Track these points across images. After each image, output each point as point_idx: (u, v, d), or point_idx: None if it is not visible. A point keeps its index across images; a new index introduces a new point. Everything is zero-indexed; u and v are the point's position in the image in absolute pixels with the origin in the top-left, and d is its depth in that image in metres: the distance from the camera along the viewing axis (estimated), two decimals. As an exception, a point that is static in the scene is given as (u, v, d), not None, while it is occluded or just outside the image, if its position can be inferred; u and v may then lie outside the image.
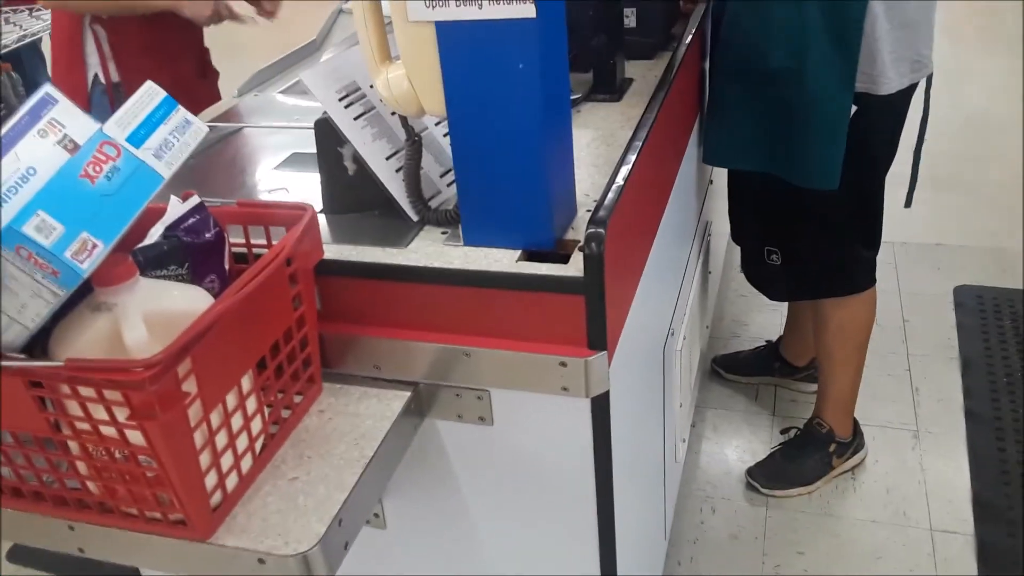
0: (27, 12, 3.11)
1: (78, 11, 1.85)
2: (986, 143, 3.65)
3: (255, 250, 1.03)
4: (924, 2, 1.54)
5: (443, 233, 1.10)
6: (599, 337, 1.00)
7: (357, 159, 1.14)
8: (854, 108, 1.55)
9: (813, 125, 1.57)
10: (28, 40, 2.96)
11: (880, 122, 1.61)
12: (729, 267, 2.71)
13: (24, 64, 3.35)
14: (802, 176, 1.63)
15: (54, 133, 0.75)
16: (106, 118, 0.79)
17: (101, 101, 1.92)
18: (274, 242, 1.00)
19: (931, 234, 2.94)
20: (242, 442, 0.89)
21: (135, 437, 0.77)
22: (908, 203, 1.85)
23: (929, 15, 1.57)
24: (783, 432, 2.15)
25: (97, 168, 0.74)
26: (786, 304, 2.29)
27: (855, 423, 2.05)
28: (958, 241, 2.91)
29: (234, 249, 1.01)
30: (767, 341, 2.36)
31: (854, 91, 1.54)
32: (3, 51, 2.81)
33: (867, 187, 1.73)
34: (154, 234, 0.94)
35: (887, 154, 1.73)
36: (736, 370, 2.37)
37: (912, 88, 1.63)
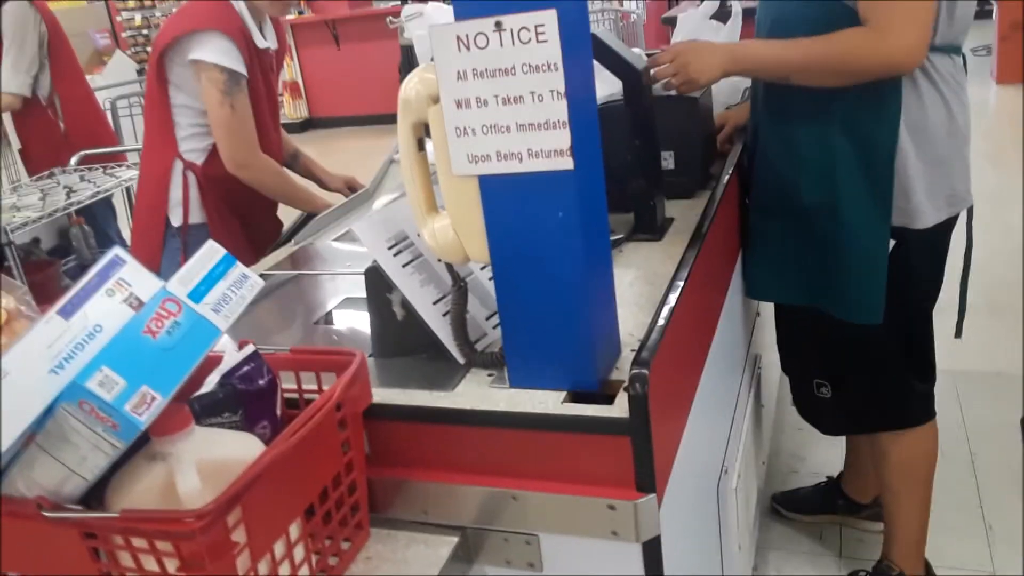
0: (101, 170, 3.33)
1: (268, 194, 2.13)
2: (1040, 268, 3.59)
3: (307, 395, 1.05)
4: (955, 140, 1.56)
5: (489, 375, 1.12)
6: (647, 479, 0.99)
7: (406, 305, 1.17)
8: (893, 242, 1.56)
9: (852, 260, 1.58)
10: (101, 196, 3.16)
11: (920, 256, 1.61)
12: (783, 400, 2.65)
13: (96, 217, 3.57)
14: (845, 310, 1.63)
15: (121, 292, 0.80)
16: (178, 259, 0.85)
17: (174, 244, 2.07)
18: (325, 387, 1.03)
19: (991, 363, 2.86)
20: (289, 592, 0.89)
21: (184, 588, 0.77)
22: (958, 334, 1.82)
23: (962, 151, 1.59)
24: (851, 575, 2.05)
25: (159, 324, 0.78)
26: (845, 438, 2.23)
27: (927, 565, 1.94)
28: (1018, 369, 2.83)
29: (286, 395, 1.04)
30: (828, 477, 2.29)
31: (890, 225, 1.55)
32: (78, 206, 3.01)
33: (913, 320, 1.71)
34: (211, 382, 0.98)
35: (931, 287, 1.72)
36: (797, 508, 2.28)
37: (952, 221, 1.64)
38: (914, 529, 1.89)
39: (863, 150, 1.53)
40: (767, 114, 1.68)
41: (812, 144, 1.58)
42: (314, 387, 1.05)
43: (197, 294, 0.82)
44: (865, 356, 1.72)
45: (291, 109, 9.26)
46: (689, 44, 1.62)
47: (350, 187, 2.35)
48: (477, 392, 1.08)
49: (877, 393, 1.77)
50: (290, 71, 9.13)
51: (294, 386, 1.06)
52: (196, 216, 2.07)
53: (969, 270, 1.78)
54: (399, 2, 8.64)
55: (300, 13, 8.87)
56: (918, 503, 1.87)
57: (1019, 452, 2.41)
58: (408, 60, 2.10)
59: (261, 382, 0.95)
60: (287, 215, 2.20)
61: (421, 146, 1.09)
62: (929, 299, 1.74)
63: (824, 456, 2.46)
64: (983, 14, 7.49)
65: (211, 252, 0.84)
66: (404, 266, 1.18)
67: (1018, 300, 3.31)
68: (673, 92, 1.62)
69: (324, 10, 8.91)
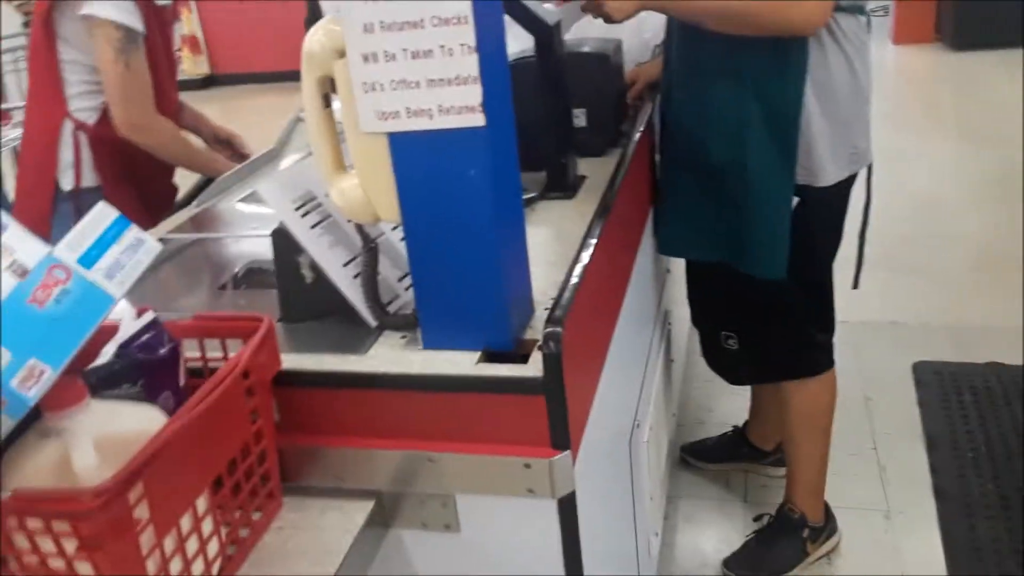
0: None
1: (166, 158, 2.00)
2: (934, 224, 3.77)
3: (212, 364, 1.01)
4: (857, 99, 1.60)
5: (402, 338, 1.10)
6: (562, 436, 1.00)
7: (314, 267, 1.14)
8: (796, 200, 1.60)
9: (757, 217, 1.62)
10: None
11: (822, 212, 1.66)
12: (692, 353, 2.72)
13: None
14: (750, 265, 1.67)
15: (4, 259, 0.75)
16: (70, 225, 0.79)
17: (65, 209, 1.95)
18: (231, 355, 0.99)
19: (887, 313, 3.00)
20: (198, 567, 0.86)
21: (85, 569, 0.74)
22: (855, 285, 1.90)
23: (863, 110, 1.64)
24: (755, 519, 2.13)
25: (46, 292, 0.73)
26: (750, 388, 2.30)
27: (826, 506, 2.04)
28: (913, 319, 2.97)
29: (190, 364, 1.00)
30: (734, 427, 2.36)
31: (795, 183, 1.59)
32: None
33: (816, 274, 1.77)
34: (107, 352, 0.93)
35: (832, 242, 1.78)
36: (705, 457, 2.36)
37: (852, 178, 1.69)
38: (814, 474, 1.97)
39: (770, 109, 1.55)
40: (679, 73, 1.69)
41: (722, 102, 1.60)
42: (220, 355, 1.01)
43: (88, 259, 0.77)
44: (770, 309, 1.77)
45: (191, 65, 8.85)
46: None
47: (232, 146, 2.26)
48: (390, 355, 1.06)
49: (782, 344, 1.83)
50: (188, 24, 8.72)
51: (199, 355, 1.02)
52: (88, 180, 1.95)
53: (868, 223, 1.84)
54: (303, -48, 8.34)
55: (197, -39, 8.46)
56: (818, 448, 1.95)
57: (911, 397, 2.54)
58: (314, 12, 2.02)
59: (162, 351, 0.91)
60: (184, 180, 2.11)
61: (327, 102, 1.05)
62: (830, 254, 1.80)
63: (730, 406, 2.55)
64: (881, -25, 7.73)
65: (102, 214, 0.79)
66: (312, 227, 1.14)
67: (911, 254, 3.46)
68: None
69: None
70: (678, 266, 2.17)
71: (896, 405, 2.52)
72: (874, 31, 1.66)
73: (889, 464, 2.30)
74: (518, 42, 1.62)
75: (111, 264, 0.77)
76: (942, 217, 3.83)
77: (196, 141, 2.19)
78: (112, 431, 0.80)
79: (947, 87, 6.06)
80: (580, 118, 1.68)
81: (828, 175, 1.61)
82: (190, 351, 1.01)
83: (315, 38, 0.99)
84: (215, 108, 7.86)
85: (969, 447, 2.29)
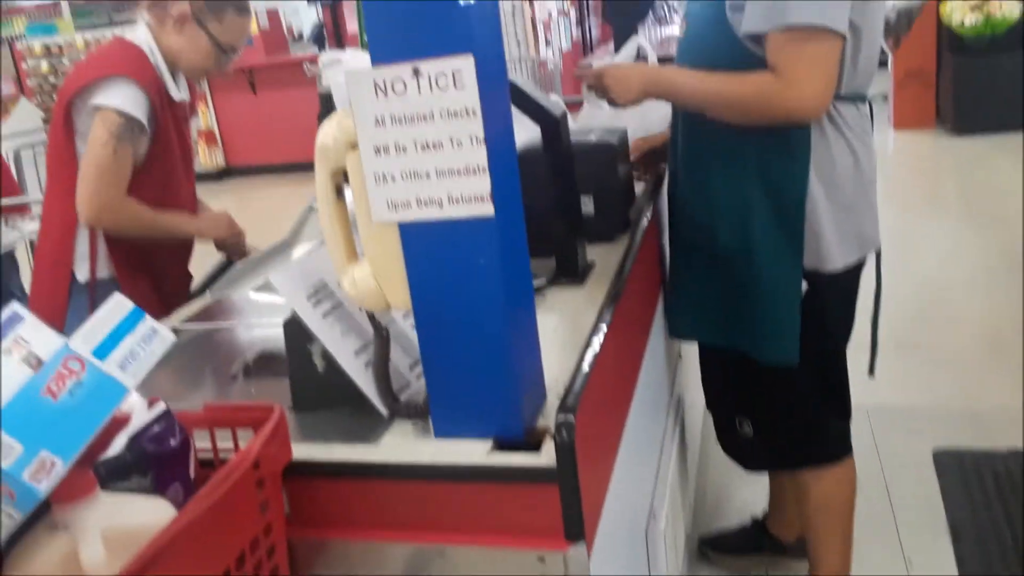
0: (3, 222, 3.20)
1: (123, 237, 1.96)
2: (943, 306, 3.76)
3: (223, 454, 1.01)
4: (862, 184, 1.62)
5: (414, 426, 1.09)
6: (576, 528, 0.98)
7: (326, 356, 1.14)
8: (805, 285, 1.60)
9: (767, 303, 1.62)
10: (4, 250, 3.02)
11: (833, 297, 1.66)
12: (707, 439, 2.68)
13: (-1, 271, 3.41)
14: (761, 352, 1.66)
15: (19, 351, 0.75)
16: (85, 316, 0.80)
17: (80, 301, 1.97)
18: (242, 445, 0.98)
19: (902, 397, 2.96)
20: (203, 665, 0.83)
21: (87, 669, 0.72)
22: (871, 372, 1.87)
23: (869, 195, 1.65)
24: (778, 613, 2.06)
25: (60, 384, 0.74)
26: (768, 477, 2.26)
27: (851, 599, 1.97)
28: (929, 403, 2.93)
29: (201, 454, 0.99)
30: (753, 518, 2.31)
31: (802, 269, 1.59)
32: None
33: (828, 359, 1.76)
34: (118, 443, 0.93)
35: (844, 327, 1.77)
36: (725, 549, 2.29)
37: (861, 263, 1.69)
38: (837, 566, 1.91)
39: (775, 196, 1.57)
40: (685, 159, 1.72)
41: (727, 190, 1.62)
42: (231, 445, 1.01)
43: (102, 351, 0.78)
44: (784, 395, 1.75)
45: (206, 158, 9.07)
46: (613, 67, 1.68)
47: (231, 228, 2.18)
48: (401, 444, 1.06)
49: (796, 430, 1.80)
50: (205, 119, 8.97)
51: (209, 445, 1.01)
52: (103, 271, 1.98)
53: (879, 309, 1.83)
54: (317, 49, 8.65)
55: (216, 60, 8.76)
56: (839, 539, 1.90)
57: (933, 484, 2.48)
58: (327, 108, 2.07)
59: (172, 442, 0.91)
60: (198, 269, 2.13)
61: (340, 193, 1.07)
62: (843, 338, 1.79)
63: (748, 495, 2.49)
64: (879, 63, 7.91)
65: (118, 306, 0.80)
66: (324, 316, 1.15)
67: (923, 336, 3.44)
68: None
69: (240, 57, 8.83)
70: (690, 350, 2.16)
71: (918, 494, 2.46)
72: (875, 116, 1.70)
73: (915, 556, 2.23)
74: (526, 132, 1.66)
75: (125, 355, 0.78)
76: (950, 299, 3.82)
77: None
78: (121, 525, 0.79)
79: (949, 171, 6.13)
80: (588, 205, 1.70)
81: (836, 260, 1.61)
82: (201, 441, 1.00)
83: (328, 132, 1.02)
84: (230, 199, 8.02)
85: (995, 538, 2.22)
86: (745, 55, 1.49)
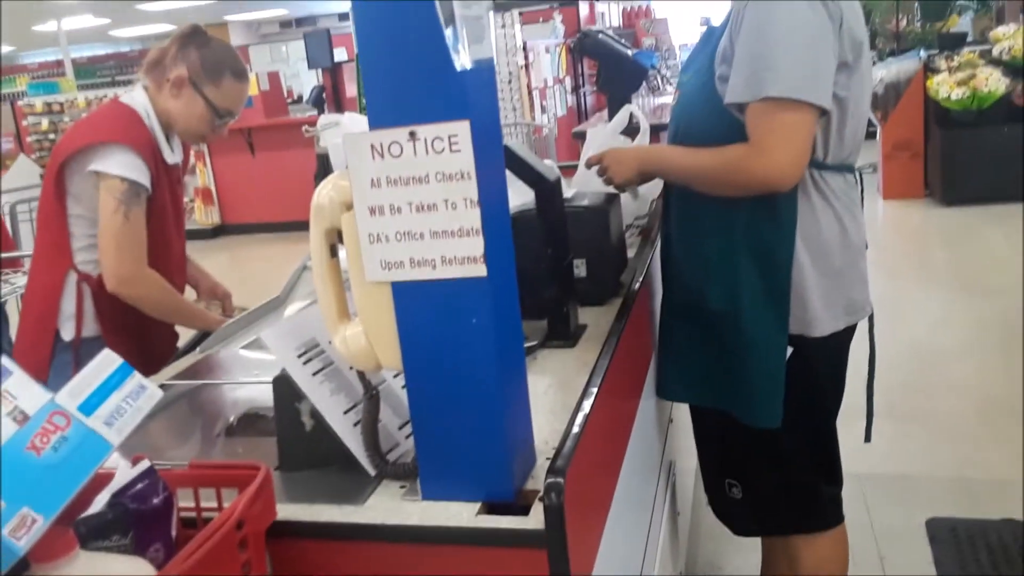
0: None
1: (155, 312, 1.97)
2: (934, 373, 3.76)
3: (206, 514, 0.99)
4: (849, 252, 1.64)
5: (401, 487, 1.08)
6: (565, 594, 0.96)
7: (315, 414, 1.13)
8: (791, 349, 1.61)
9: (752, 365, 1.63)
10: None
11: (820, 362, 1.67)
12: (699, 506, 2.65)
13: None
14: (745, 414, 1.67)
15: (5, 404, 0.75)
16: (68, 374, 0.80)
17: (63, 359, 1.95)
18: (226, 504, 0.97)
19: (895, 465, 2.94)
20: None
21: None
22: (867, 438, 1.87)
23: (857, 263, 1.67)
24: None
25: (44, 439, 0.73)
26: (760, 545, 2.23)
27: (846, 673, 1.93)
28: (922, 471, 2.91)
29: (184, 514, 0.98)
30: (744, 584, 2.27)
31: (788, 334, 1.60)
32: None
33: (818, 424, 1.76)
34: (100, 501, 0.91)
35: (833, 393, 1.77)
36: (715, 618, 2.25)
37: (850, 329, 1.70)
38: (830, 635, 1.88)
39: (763, 262, 1.60)
40: (678, 223, 1.75)
41: (717, 254, 1.64)
42: (214, 505, 0.99)
43: (88, 406, 0.77)
44: (772, 458, 1.74)
45: (202, 215, 9.13)
46: (608, 152, 1.76)
47: (220, 300, 2.25)
48: (388, 505, 1.04)
49: (786, 495, 1.79)
50: (203, 177, 9.06)
51: (193, 504, 1.00)
52: (90, 329, 1.96)
53: (874, 375, 1.84)
54: (316, 112, 8.78)
55: (215, 121, 8.87)
56: (833, 609, 1.86)
57: (927, 554, 2.45)
58: (324, 168, 2.11)
59: (155, 500, 0.89)
60: (185, 328, 2.11)
61: (334, 252, 1.08)
62: (832, 404, 1.78)
63: (741, 563, 2.46)
64: (868, 135, 8.06)
65: (106, 361, 0.79)
66: (314, 374, 1.15)
67: (916, 404, 3.44)
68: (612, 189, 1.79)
69: (240, 118, 8.92)
70: (682, 415, 2.15)
71: (911, 563, 2.43)
72: (865, 186, 1.73)
73: (908, 627, 2.19)
74: (520, 195, 1.69)
75: (111, 411, 0.77)
76: (942, 366, 3.83)
77: (190, 295, 2.20)
78: (99, 585, 0.77)
79: (938, 240, 6.20)
80: (581, 268, 1.71)
81: (823, 326, 1.62)
82: (185, 500, 0.99)
83: (324, 192, 1.03)
84: (224, 256, 8.05)
85: (990, 608, 2.19)
86: (733, 125, 1.53)
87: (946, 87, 6.41)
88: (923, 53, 7.08)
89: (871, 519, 2.64)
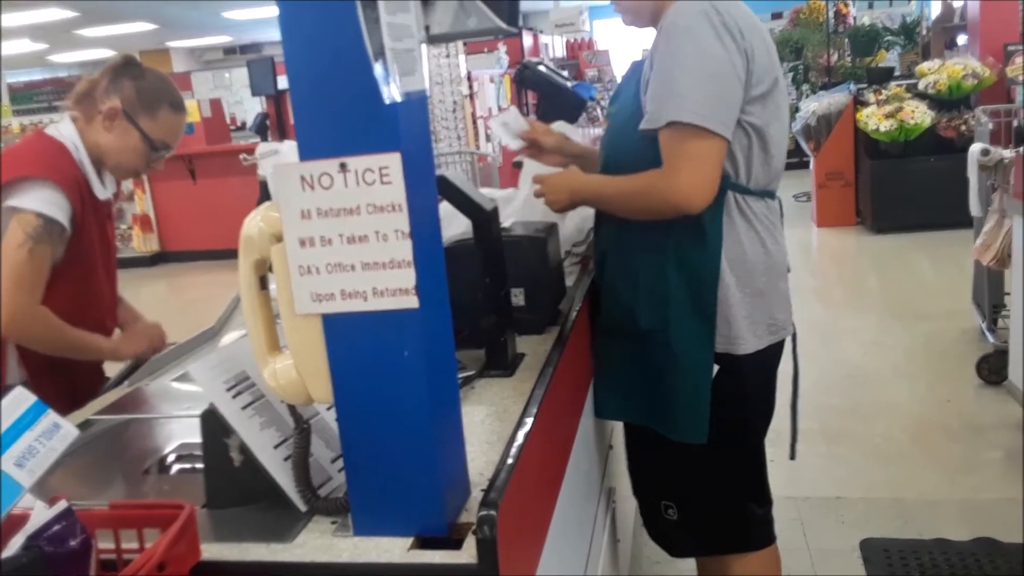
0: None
1: (47, 349, 1.82)
2: (866, 396, 3.85)
3: (127, 556, 0.96)
4: (771, 273, 1.70)
5: (332, 523, 1.06)
6: (498, 629, 0.95)
7: (244, 449, 1.11)
8: (717, 367, 1.65)
9: (678, 381, 1.67)
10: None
11: (746, 379, 1.71)
12: (640, 532, 2.66)
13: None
14: (672, 430, 1.70)
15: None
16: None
17: None
18: (148, 545, 0.94)
19: (830, 487, 2.99)
20: None
21: None
22: (792, 455, 1.92)
23: (779, 284, 1.73)
24: None
25: (-50, 482, 0.70)
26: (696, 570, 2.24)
27: None
28: (857, 493, 2.97)
29: (103, 556, 0.95)
30: (684, 611, 2.28)
31: (714, 351, 1.64)
32: None
33: (746, 443, 1.79)
34: (15, 544, 0.88)
35: (761, 412, 1.81)
36: (656, 645, 2.25)
37: (775, 349, 1.75)
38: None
39: (691, 281, 1.64)
40: (611, 244, 1.77)
41: (648, 273, 1.68)
42: (136, 546, 0.96)
43: (-1, 447, 0.74)
44: (704, 477, 1.77)
45: (140, 243, 8.90)
46: (547, 178, 1.78)
47: (152, 343, 2.03)
48: (319, 542, 1.02)
49: (718, 515, 1.82)
50: (141, 204, 8.85)
51: (113, 545, 0.97)
52: (13, 376, 1.84)
53: (798, 394, 1.89)
54: (259, 139, 8.67)
55: (154, 148, 8.67)
56: (767, 630, 1.88)
57: (860, 574, 2.50)
58: (266, 196, 2.07)
59: (72, 543, 0.86)
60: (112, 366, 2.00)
61: (264, 284, 1.07)
62: (760, 424, 1.82)
63: (681, 590, 2.46)
64: (802, 164, 8.30)
65: (18, 400, 0.76)
66: (244, 408, 1.12)
67: (850, 427, 3.51)
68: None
69: (181, 144, 8.66)
70: (621, 441, 2.16)
71: (846, 584, 2.47)
72: (799, 214, 1.77)
73: (844, 648, 2.22)
74: (458, 225, 1.69)
75: (24, 451, 0.74)
76: (874, 389, 3.92)
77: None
78: (8, 634, 0.74)
79: (869, 266, 6.38)
80: (519, 297, 1.72)
81: (747, 344, 1.67)
82: (105, 542, 0.95)
83: (253, 223, 1.02)
84: (163, 285, 7.87)
85: (922, 628, 2.23)
86: (660, 153, 1.56)
87: (875, 119, 6.63)
88: (853, 86, 7.32)
89: (807, 541, 2.68)
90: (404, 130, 0.95)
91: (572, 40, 12.07)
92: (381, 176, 0.94)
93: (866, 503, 2.90)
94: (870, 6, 10.31)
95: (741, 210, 1.64)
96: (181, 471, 1.29)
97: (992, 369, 3.68)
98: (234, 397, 1.12)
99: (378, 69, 0.92)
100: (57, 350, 1.83)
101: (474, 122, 7.53)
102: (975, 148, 3.76)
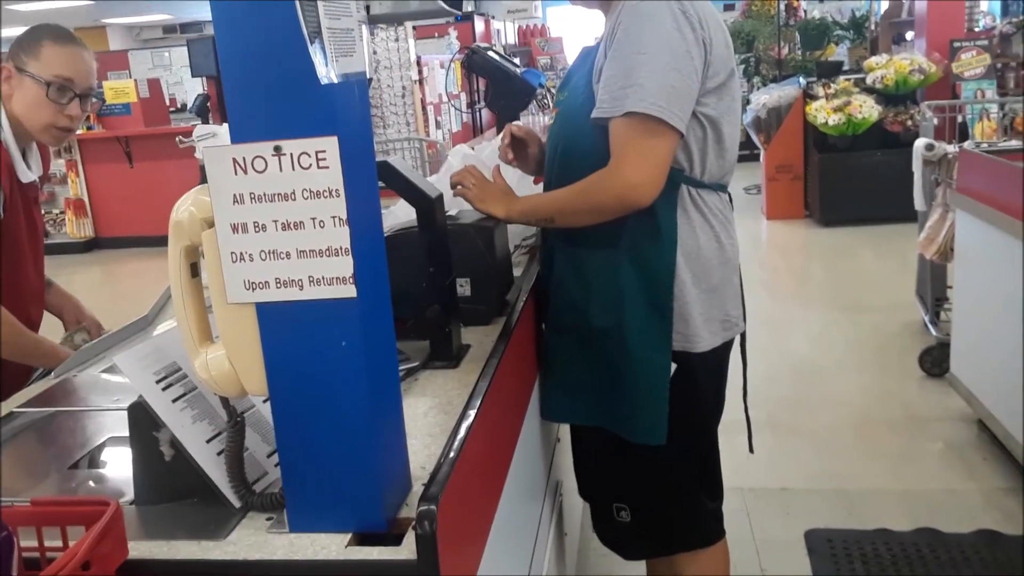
0: None
1: None
2: (813, 388, 3.90)
3: (50, 554, 0.91)
4: (726, 268, 1.68)
5: (268, 520, 1.03)
6: (438, 625, 0.93)
7: (175, 443, 1.07)
8: (674, 366, 1.63)
9: (636, 382, 1.64)
10: None
11: (701, 378, 1.69)
12: (587, 526, 2.66)
13: None
14: (630, 431, 1.67)
15: None
16: None
17: None
18: (72, 543, 0.90)
19: (775, 479, 3.03)
20: None
21: None
22: (751, 449, 1.92)
23: (732, 279, 1.72)
24: None
25: None
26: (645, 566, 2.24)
27: None
28: (801, 484, 3.01)
29: (27, 554, 0.90)
30: (631, 603, 2.28)
31: (671, 350, 1.62)
32: None
33: (700, 439, 1.78)
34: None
35: (714, 407, 1.81)
36: (603, 637, 2.25)
37: (728, 345, 1.74)
38: (713, 650, 1.90)
39: (646, 277, 1.61)
40: (560, 240, 1.74)
41: (601, 270, 1.65)
42: (60, 544, 0.92)
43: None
44: (657, 476, 1.75)
45: (74, 228, 8.54)
46: (489, 183, 1.72)
47: (87, 330, 2.03)
48: (252, 539, 0.99)
49: (674, 514, 1.81)
50: (75, 188, 8.55)
51: (36, 543, 0.92)
52: None
53: (747, 390, 1.88)
54: (199, 121, 8.45)
55: (89, 128, 8.37)
56: (715, 623, 1.89)
57: (805, 565, 2.53)
58: (205, 180, 2.01)
59: (-12, 543, 0.81)
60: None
61: (195, 272, 1.03)
62: (713, 417, 1.82)
63: (628, 581, 2.46)
64: (752, 157, 8.39)
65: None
66: (174, 401, 1.08)
67: (796, 418, 3.56)
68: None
69: (117, 126, 8.40)
70: (568, 434, 2.14)
71: (791, 574, 2.50)
72: (749, 207, 1.77)
73: (787, 636, 2.25)
74: (405, 213, 1.65)
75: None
76: (820, 381, 3.97)
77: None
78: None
79: (817, 259, 6.48)
80: (465, 287, 1.69)
81: (704, 342, 1.65)
82: (28, 540, 0.91)
83: (183, 208, 0.98)
84: (97, 272, 7.63)
85: (863, 615, 2.26)
86: (606, 145, 1.54)
87: (823, 113, 6.73)
88: (802, 80, 7.41)
89: (752, 532, 2.70)
90: (342, 113, 0.92)
91: (525, 26, 12.03)
92: (318, 160, 0.90)
93: (811, 494, 2.93)
94: (820, 0, 10.47)
95: (696, 203, 1.61)
96: (113, 466, 1.24)
97: (934, 361, 3.75)
98: (164, 389, 1.07)
99: (314, 49, 0.89)
100: (12, 354, 1.75)
101: (424, 108, 7.45)
102: (920, 143, 3.83)
